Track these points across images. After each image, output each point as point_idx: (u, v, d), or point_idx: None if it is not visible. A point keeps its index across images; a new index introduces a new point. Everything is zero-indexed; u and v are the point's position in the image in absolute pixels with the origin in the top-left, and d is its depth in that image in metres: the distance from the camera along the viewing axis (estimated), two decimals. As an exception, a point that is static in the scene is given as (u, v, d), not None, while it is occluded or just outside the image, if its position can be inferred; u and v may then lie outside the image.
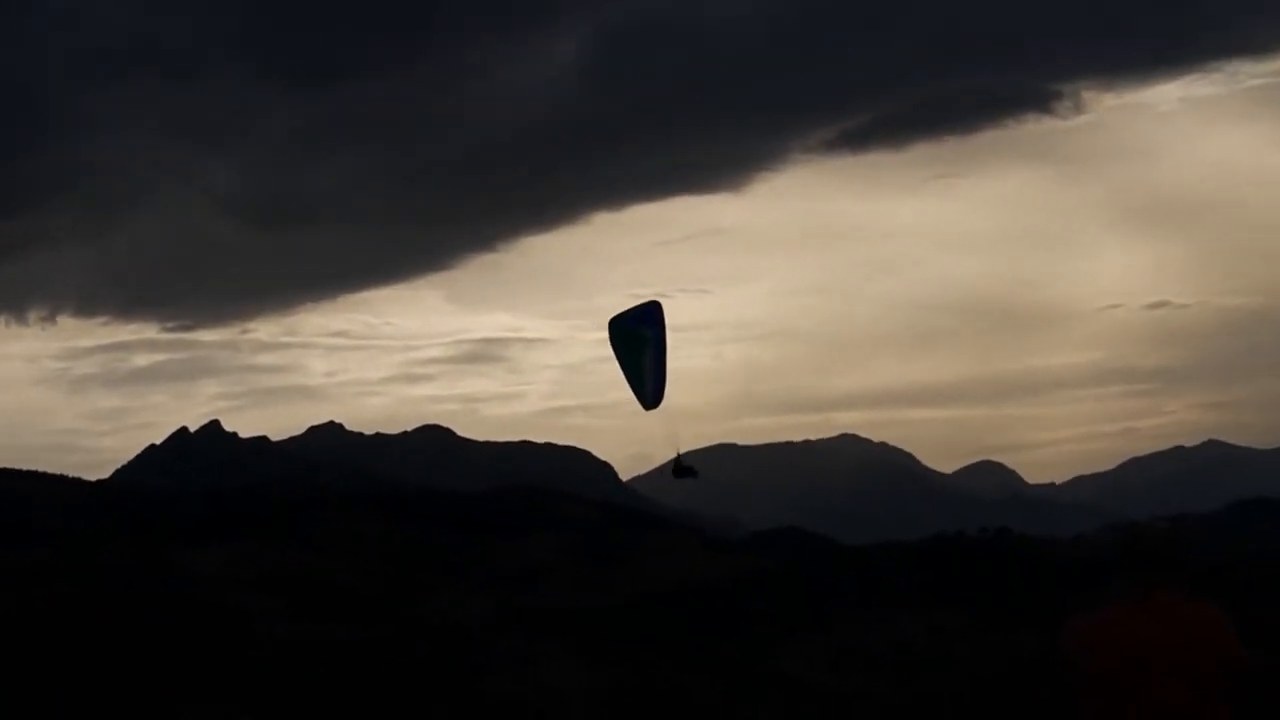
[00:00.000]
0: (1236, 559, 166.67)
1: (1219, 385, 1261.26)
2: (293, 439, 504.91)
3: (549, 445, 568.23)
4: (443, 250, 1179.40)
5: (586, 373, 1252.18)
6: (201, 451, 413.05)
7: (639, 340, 31.90)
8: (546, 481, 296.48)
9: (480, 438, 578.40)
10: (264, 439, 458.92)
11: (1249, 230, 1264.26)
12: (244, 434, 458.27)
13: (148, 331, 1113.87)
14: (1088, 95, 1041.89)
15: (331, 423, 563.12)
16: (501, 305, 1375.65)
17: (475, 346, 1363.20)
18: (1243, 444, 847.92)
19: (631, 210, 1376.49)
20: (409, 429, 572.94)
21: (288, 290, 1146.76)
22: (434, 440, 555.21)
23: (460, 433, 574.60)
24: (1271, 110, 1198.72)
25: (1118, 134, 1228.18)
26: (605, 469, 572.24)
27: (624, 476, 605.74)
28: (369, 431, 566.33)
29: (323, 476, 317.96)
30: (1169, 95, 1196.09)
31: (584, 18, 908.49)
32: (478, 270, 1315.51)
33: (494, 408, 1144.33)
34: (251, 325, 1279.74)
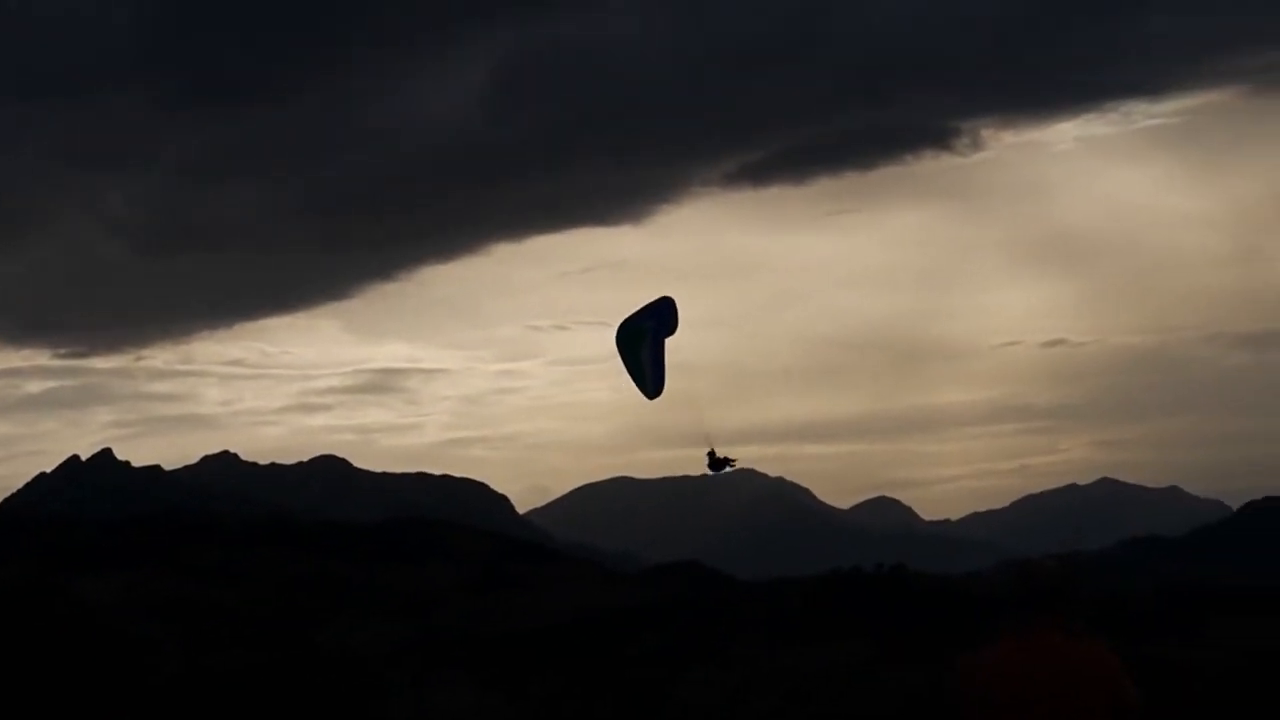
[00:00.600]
0: (1128, 596, 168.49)
1: (1113, 423, 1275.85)
2: (187, 468, 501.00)
3: (446, 477, 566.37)
4: (341, 279, 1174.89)
5: (485, 404, 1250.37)
6: (93, 480, 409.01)
7: (638, 334, 32.47)
8: (443, 513, 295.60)
9: (377, 468, 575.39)
10: (157, 468, 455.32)
11: (1144, 269, 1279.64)
12: (137, 463, 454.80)
13: (40, 358, 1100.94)
14: (986, 133, 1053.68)
15: (226, 452, 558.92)
16: (400, 335, 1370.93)
17: (373, 376, 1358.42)
18: (1135, 482, 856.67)
19: (532, 241, 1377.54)
20: (305, 459, 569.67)
21: (183, 317, 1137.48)
22: (330, 470, 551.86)
23: (356, 463, 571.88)
24: (1165, 151, 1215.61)
25: (1015, 172, 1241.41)
26: (502, 501, 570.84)
27: (521, 509, 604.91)
28: (264, 461, 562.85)
29: (216, 506, 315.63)
30: (1066, 134, 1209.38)
31: (487, 46, 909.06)
32: (376, 300, 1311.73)
33: (391, 438, 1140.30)
34: (146, 352, 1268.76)
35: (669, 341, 32.24)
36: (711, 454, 35.35)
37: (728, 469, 34.61)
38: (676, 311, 31.89)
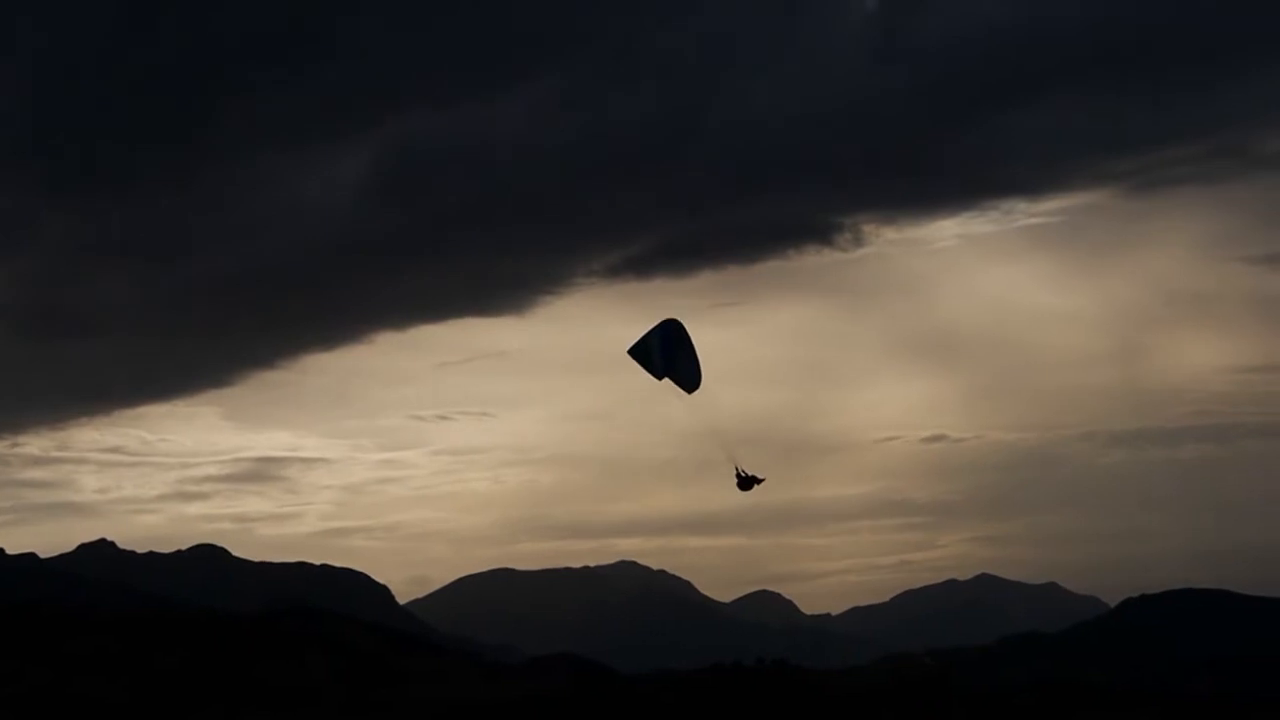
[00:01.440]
0: (1005, 690, 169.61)
1: (992, 519, 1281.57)
2: (63, 556, 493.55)
3: (326, 567, 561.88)
4: (222, 367, 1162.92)
5: (366, 493, 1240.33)
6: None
7: (647, 348, 33.39)
8: (323, 603, 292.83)
9: (256, 558, 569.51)
10: (32, 556, 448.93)
11: (1023, 367, 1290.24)
12: (11, 550, 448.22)
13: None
14: (868, 228, 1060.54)
15: (103, 540, 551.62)
16: (281, 423, 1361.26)
17: (252, 465, 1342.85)
18: (1013, 578, 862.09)
19: (415, 330, 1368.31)
20: (183, 548, 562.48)
21: (60, 404, 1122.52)
22: (208, 559, 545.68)
23: (235, 552, 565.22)
24: (1044, 249, 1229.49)
25: (897, 267, 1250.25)
26: (382, 592, 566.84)
27: (401, 600, 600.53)
28: (141, 550, 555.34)
29: (93, 595, 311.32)
30: (947, 231, 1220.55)
31: (372, 135, 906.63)
32: (257, 388, 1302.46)
33: (270, 527, 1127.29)
34: (21, 439, 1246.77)
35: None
36: (739, 472, 36.14)
37: (757, 486, 35.19)
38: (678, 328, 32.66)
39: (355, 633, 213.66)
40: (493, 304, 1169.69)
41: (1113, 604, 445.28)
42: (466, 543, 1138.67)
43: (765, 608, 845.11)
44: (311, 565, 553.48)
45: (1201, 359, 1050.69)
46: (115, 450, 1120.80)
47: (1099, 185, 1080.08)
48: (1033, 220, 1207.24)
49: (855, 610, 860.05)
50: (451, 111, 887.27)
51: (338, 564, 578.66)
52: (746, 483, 33.66)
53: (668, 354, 34.44)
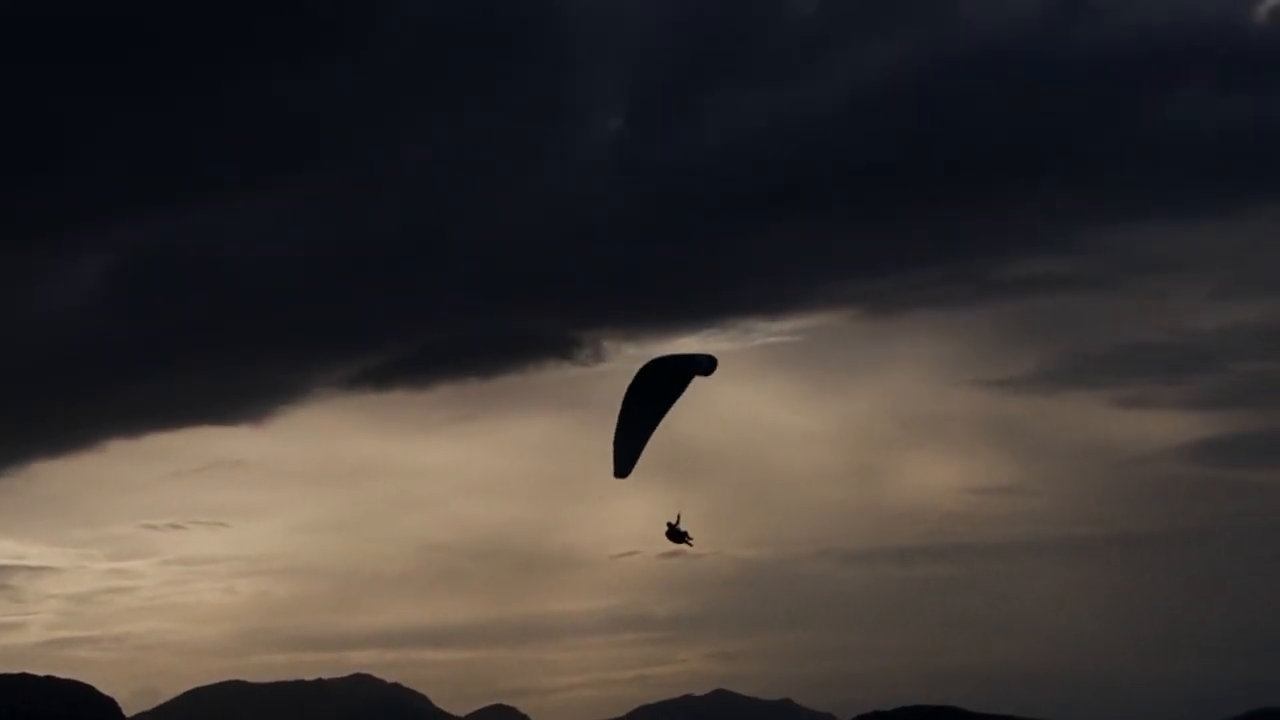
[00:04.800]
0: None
1: (729, 635, 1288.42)
2: None
3: (50, 678, 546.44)
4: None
5: (94, 603, 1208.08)
6: None
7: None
8: (47, 716, 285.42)
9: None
10: None
11: (761, 484, 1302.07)
12: None
13: None
14: (608, 344, 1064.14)
15: None
16: (6, 531, 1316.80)
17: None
18: (749, 694, 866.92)
19: (148, 439, 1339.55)
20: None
21: None
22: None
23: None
24: (782, 368, 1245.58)
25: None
26: (109, 704, 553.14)
27: (128, 713, 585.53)
28: None
29: None
30: (687, 348, 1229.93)
31: (107, 239, 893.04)
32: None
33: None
34: None
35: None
36: (672, 526, 36.68)
37: (687, 545, 35.44)
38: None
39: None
40: (229, 413, 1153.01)
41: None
42: (197, 654, 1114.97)
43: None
44: (35, 676, 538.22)
45: (935, 479, 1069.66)
46: None
47: (838, 306, 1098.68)
48: (771, 339, 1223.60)
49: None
50: (190, 215, 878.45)
51: (62, 675, 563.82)
52: (677, 535, 34.08)
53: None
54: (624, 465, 35.97)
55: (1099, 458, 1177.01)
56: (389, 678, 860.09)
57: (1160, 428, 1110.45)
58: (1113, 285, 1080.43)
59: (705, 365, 42.51)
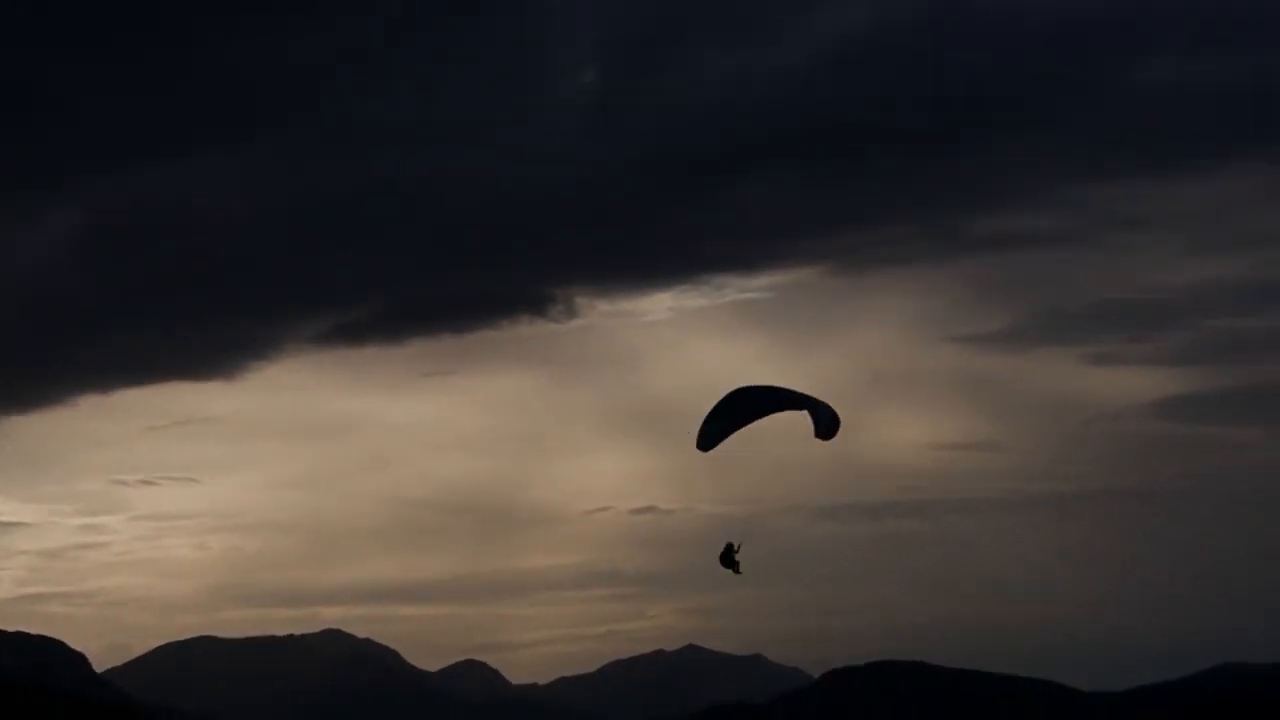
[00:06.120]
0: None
1: (699, 591, 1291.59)
2: None
3: (20, 634, 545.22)
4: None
5: (65, 559, 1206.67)
6: None
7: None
8: (16, 673, 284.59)
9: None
10: None
11: (732, 440, 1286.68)
12: None
13: None
14: (581, 300, 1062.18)
15: None
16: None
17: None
18: (720, 649, 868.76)
19: (120, 394, 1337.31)
20: None
21: None
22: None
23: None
24: (755, 324, 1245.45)
25: (610, 340, 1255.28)
26: (79, 660, 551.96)
27: (99, 668, 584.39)
28: None
29: None
30: (661, 304, 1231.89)
31: (76, 197, 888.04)
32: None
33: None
34: None
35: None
36: (730, 547, 36.62)
37: (733, 572, 35.29)
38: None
39: (52, 702, 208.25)
40: (201, 368, 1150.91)
41: (816, 675, 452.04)
42: (168, 609, 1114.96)
43: (472, 677, 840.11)
44: (5, 632, 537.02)
45: (907, 436, 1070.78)
46: None
47: (810, 262, 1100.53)
48: (744, 295, 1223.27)
49: (562, 680, 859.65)
50: (162, 172, 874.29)
51: (33, 630, 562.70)
52: (729, 560, 34.06)
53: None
54: (709, 439, 37.29)
55: (1070, 414, 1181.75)
56: (360, 633, 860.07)
57: (1131, 384, 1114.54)
58: (1085, 242, 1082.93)
59: (826, 425, 43.20)
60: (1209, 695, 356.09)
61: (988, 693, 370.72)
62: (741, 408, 44.88)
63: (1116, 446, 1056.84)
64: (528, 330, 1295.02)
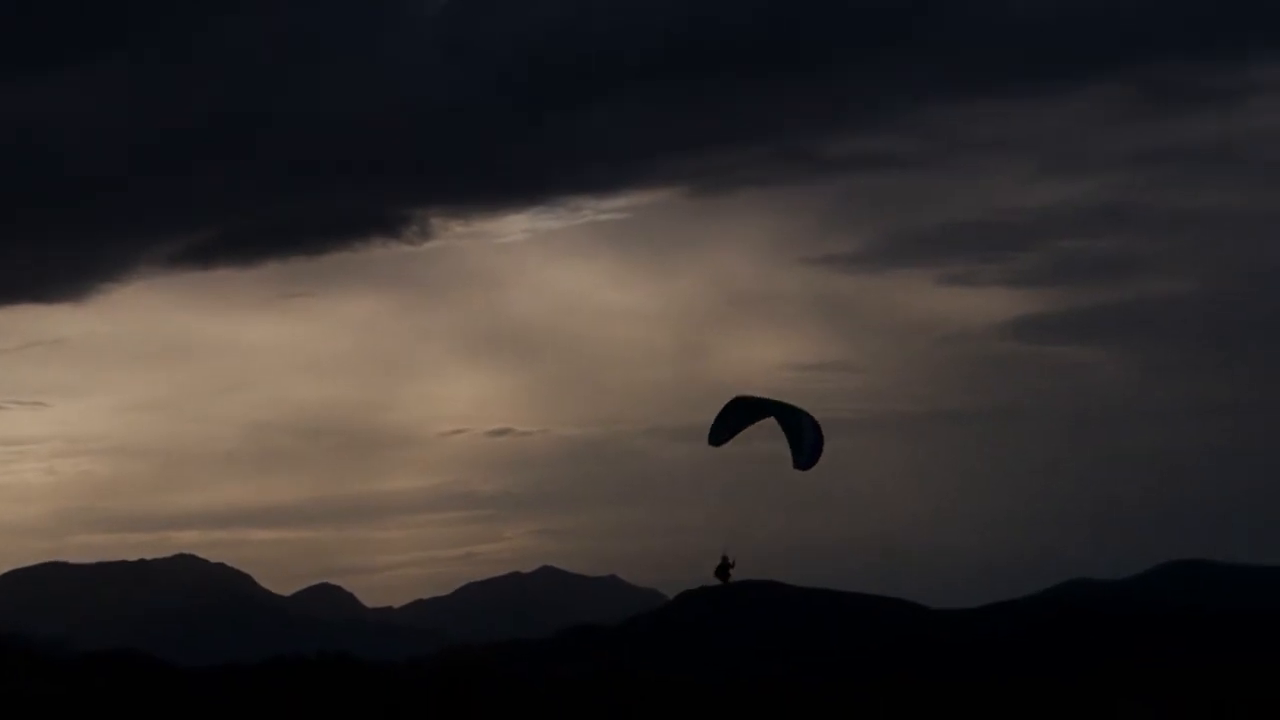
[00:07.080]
0: (565, 682, 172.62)
1: (555, 513, 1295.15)
2: None
3: None
4: None
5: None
6: None
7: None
8: None
9: None
10: None
11: (588, 362, 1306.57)
12: None
13: None
14: (436, 222, 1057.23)
15: None
16: None
17: None
18: (575, 571, 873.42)
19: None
20: None
21: None
22: None
23: None
24: (611, 246, 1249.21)
25: (465, 261, 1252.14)
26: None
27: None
28: None
29: None
30: (516, 226, 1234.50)
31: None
32: None
33: None
34: None
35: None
36: (725, 560, 36.85)
37: (727, 577, 35.63)
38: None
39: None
40: (48, 291, 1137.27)
41: (671, 596, 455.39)
42: (17, 534, 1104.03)
43: (326, 600, 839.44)
44: None
45: (762, 356, 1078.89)
46: None
47: (665, 184, 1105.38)
48: (600, 217, 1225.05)
49: (418, 603, 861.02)
50: (7, 93, 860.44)
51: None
52: (724, 572, 34.52)
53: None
54: (717, 437, 39.14)
55: (923, 335, 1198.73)
56: (213, 558, 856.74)
57: (983, 305, 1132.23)
58: (938, 164, 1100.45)
59: (806, 457, 45.05)
60: (1057, 611, 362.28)
61: (840, 610, 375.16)
62: (741, 413, 47.30)
63: (968, 367, 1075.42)
64: (382, 252, 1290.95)
